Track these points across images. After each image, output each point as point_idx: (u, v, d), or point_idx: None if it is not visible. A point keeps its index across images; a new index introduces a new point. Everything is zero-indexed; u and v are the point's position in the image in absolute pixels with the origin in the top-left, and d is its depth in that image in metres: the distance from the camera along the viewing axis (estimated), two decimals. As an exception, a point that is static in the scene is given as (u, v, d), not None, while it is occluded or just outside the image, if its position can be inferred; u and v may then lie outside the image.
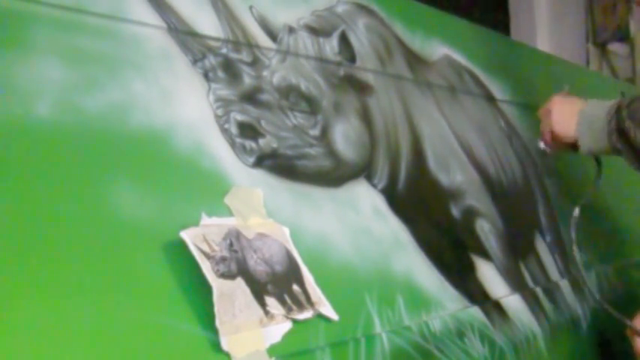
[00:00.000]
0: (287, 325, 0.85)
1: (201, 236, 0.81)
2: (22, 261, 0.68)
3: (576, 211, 1.33)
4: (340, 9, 1.28)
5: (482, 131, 1.54)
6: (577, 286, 1.55)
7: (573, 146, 1.27)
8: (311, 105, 1.12)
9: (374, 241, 1.10)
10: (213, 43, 1.01)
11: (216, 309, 0.77)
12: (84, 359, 0.67)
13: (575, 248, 1.31)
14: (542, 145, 1.33)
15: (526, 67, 1.94)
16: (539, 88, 1.90)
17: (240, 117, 0.99)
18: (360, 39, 1.29)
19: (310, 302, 0.89)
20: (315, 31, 1.20)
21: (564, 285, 1.51)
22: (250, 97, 1.02)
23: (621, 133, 1.13)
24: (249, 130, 0.99)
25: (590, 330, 1.51)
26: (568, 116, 1.24)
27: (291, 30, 1.15)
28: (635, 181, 2.01)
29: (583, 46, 4.23)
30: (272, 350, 0.81)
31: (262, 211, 0.94)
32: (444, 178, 1.35)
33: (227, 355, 0.76)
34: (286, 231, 0.94)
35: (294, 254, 0.92)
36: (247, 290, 0.82)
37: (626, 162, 1.17)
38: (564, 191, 1.77)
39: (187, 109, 0.93)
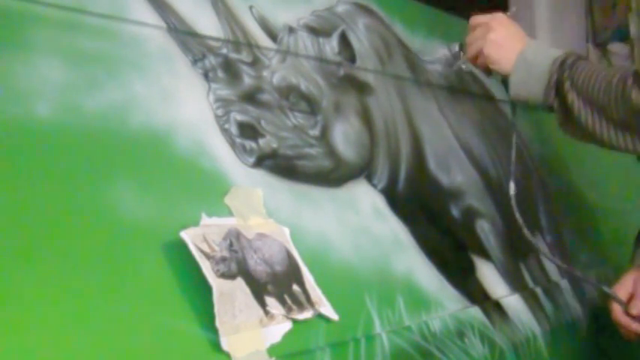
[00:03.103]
0: (287, 325, 0.85)
1: (201, 236, 0.81)
2: (22, 261, 0.68)
3: (512, 188, 1.19)
4: (340, 9, 1.28)
5: (482, 131, 1.54)
6: (577, 286, 1.55)
7: (491, 71, 1.17)
8: (311, 105, 1.12)
9: (374, 241, 1.10)
10: (213, 43, 1.01)
11: (216, 309, 0.77)
12: (84, 359, 0.67)
13: (525, 232, 1.17)
14: (461, 58, 1.22)
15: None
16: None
17: (240, 117, 0.99)
18: (360, 39, 1.29)
19: (310, 302, 0.89)
20: (315, 31, 1.20)
21: (564, 285, 1.51)
22: (250, 97, 1.02)
23: (558, 92, 1.07)
24: (249, 130, 0.99)
25: (590, 330, 1.51)
26: (508, 48, 1.12)
27: (291, 30, 1.15)
28: (635, 181, 2.01)
29: (583, 46, 4.23)
30: (272, 350, 0.81)
31: (262, 211, 0.94)
32: (444, 178, 1.35)
33: (227, 355, 0.76)
34: (286, 231, 0.94)
35: (294, 254, 0.92)
36: (247, 290, 0.82)
37: (556, 121, 1.11)
38: (565, 191, 1.77)
39: (187, 109, 0.93)
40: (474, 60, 1.18)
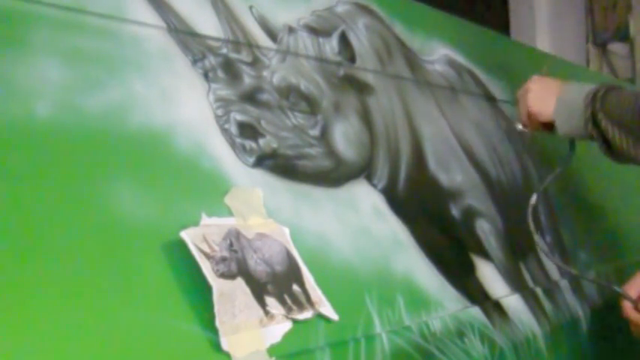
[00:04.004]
0: (287, 325, 0.85)
1: (201, 236, 0.81)
2: (21, 261, 0.68)
3: (533, 199, 1.33)
4: (340, 9, 1.28)
5: (482, 131, 1.54)
6: (577, 285, 1.55)
7: (550, 127, 1.28)
8: (311, 105, 1.12)
9: (374, 241, 1.10)
10: (213, 43, 1.01)
11: (216, 309, 0.77)
12: (83, 358, 0.67)
13: (536, 237, 1.33)
14: (519, 126, 1.34)
15: (526, 67, 1.94)
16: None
17: (240, 117, 0.99)
18: (360, 39, 1.29)
19: (310, 302, 0.89)
20: (315, 31, 1.20)
21: (564, 285, 1.51)
22: (250, 97, 1.02)
23: (595, 122, 1.17)
24: (249, 130, 0.99)
25: (590, 330, 1.51)
26: (546, 97, 1.26)
27: (291, 30, 1.15)
28: (635, 180, 2.01)
29: (583, 46, 4.23)
30: (272, 350, 0.81)
31: (262, 211, 0.94)
32: (444, 178, 1.35)
33: (227, 355, 0.76)
34: (286, 231, 0.94)
35: (294, 254, 0.92)
36: (247, 290, 0.82)
37: (600, 150, 1.20)
38: (565, 191, 1.77)
39: (187, 109, 0.93)
40: (530, 125, 1.31)
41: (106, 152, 0.81)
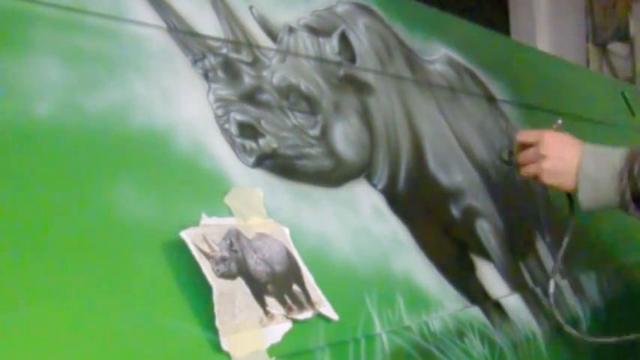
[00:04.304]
0: (287, 325, 0.85)
1: (201, 236, 0.81)
2: (21, 261, 0.68)
3: (552, 286, 1.26)
4: (340, 9, 1.28)
5: (482, 131, 1.54)
6: (577, 285, 1.55)
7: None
8: (311, 105, 1.12)
9: (374, 241, 1.10)
10: (213, 43, 1.01)
11: (216, 309, 0.77)
12: (83, 358, 0.67)
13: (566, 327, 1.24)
14: (514, 164, 1.24)
15: (526, 67, 1.94)
16: (539, 88, 1.90)
17: (240, 117, 0.99)
18: (360, 39, 1.29)
19: (310, 302, 0.89)
20: (315, 31, 1.20)
21: (564, 285, 1.51)
22: (250, 97, 1.02)
23: (638, 200, 1.05)
24: (249, 130, 0.99)
25: (590, 330, 1.51)
26: (566, 172, 1.12)
27: (291, 30, 1.15)
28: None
29: (583, 46, 4.23)
30: (272, 350, 0.81)
31: (262, 211, 0.94)
32: (444, 178, 1.35)
33: (227, 355, 0.76)
34: (286, 231, 0.94)
35: (294, 254, 0.92)
36: (247, 290, 0.82)
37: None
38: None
39: (187, 109, 0.93)
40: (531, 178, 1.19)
41: (106, 152, 0.81)
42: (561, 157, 1.13)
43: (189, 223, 0.82)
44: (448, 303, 1.15)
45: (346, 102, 1.20)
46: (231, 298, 0.79)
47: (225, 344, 0.76)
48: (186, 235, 0.80)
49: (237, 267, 0.82)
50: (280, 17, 1.14)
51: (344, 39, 1.25)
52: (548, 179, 1.15)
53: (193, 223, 0.83)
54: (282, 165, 1.02)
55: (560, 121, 1.22)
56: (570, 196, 1.18)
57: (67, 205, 0.74)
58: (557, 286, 1.24)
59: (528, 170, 1.18)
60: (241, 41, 1.05)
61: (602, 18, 4.25)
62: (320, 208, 1.04)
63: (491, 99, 1.64)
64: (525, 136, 1.20)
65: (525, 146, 1.20)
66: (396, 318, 1.03)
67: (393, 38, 1.40)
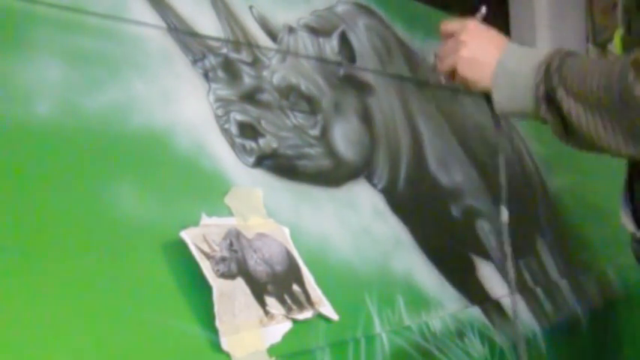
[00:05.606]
0: (287, 325, 0.85)
1: (201, 236, 0.81)
2: (22, 261, 0.68)
3: (504, 214, 1.06)
4: (340, 9, 1.28)
5: (482, 131, 1.54)
6: (577, 285, 1.55)
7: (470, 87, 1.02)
8: (311, 105, 1.12)
9: (374, 241, 1.10)
10: (213, 43, 1.01)
11: (216, 309, 0.77)
12: (83, 359, 0.67)
13: (511, 269, 1.05)
14: (442, 78, 1.04)
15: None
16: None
17: (240, 117, 0.99)
18: (360, 39, 1.29)
19: (310, 302, 0.89)
20: (315, 31, 1.20)
21: (564, 285, 1.51)
22: (250, 97, 1.02)
23: (551, 101, 0.92)
24: (249, 130, 0.99)
25: (590, 330, 1.51)
26: (483, 63, 0.98)
27: (291, 30, 1.15)
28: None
29: (583, 46, 4.23)
30: (272, 350, 0.81)
31: (262, 211, 0.94)
32: (444, 178, 1.35)
33: (227, 355, 0.76)
34: (286, 231, 0.94)
35: (294, 254, 0.92)
36: (247, 290, 0.82)
37: (554, 134, 0.95)
38: (565, 191, 1.77)
39: (187, 109, 0.93)
40: (451, 77, 1.03)
41: (106, 152, 0.81)
42: (482, 46, 1.00)
43: (189, 223, 0.82)
44: (448, 303, 1.15)
45: (346, 102, 1.20)
46: (231, 298, 0.79)
47: (225, 344, 0.76)
48: (186, 235, 0.80)
49: (237, 267, 0.82)
50: (280, 17, 1.14)
51: (344, 39, 1.25)
52: (464, 70, 0.99)
53: (193, 223, 0.83)
54: (282, 165, 1.02)
55: (484, 10, 1.07)
56: (489, 99, 1.00)
57: (67, 205, 0.74)
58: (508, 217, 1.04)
59: (445, 65, 1.02)
60: (241, 41, 1.05)
61: (602, 18, 4.26)
62: (320, 208, 1.04)
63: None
64: (449, 26, 1.05)
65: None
66: (396, 318, 1.03)
67: (393, 38, 1.40)
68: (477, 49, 0.99)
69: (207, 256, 0.80)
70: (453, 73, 1.01)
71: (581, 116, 0.89)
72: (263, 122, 1.02)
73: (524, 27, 4.13)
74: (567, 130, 0.92)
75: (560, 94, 0.90)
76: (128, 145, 0.84)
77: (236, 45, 1.04)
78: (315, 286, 0.92)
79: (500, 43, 0.99)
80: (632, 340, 1.62)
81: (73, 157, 0.78)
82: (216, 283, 0.79)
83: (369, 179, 1.18)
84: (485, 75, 0.98)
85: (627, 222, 1.07)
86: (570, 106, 0.90)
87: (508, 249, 1.04)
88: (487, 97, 1.01)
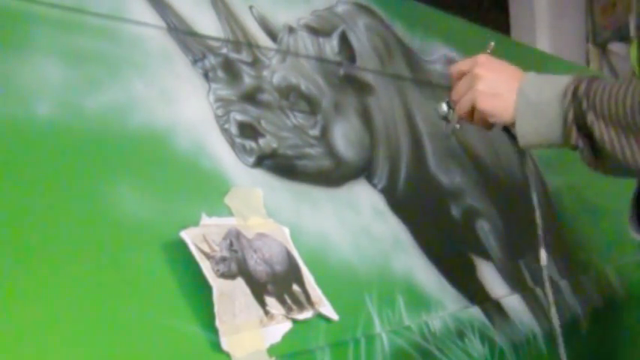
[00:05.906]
0: (287, 325, 0.85)
1: (201, 236, 0.81)
2: (21, 261, 0.68)
3: (544, 259, 1.04)
4: (340, 9, 1.28)
5: (482, 131, 1.54)
6: (577, 285, 1.55)
7: (492, 125, 0.99)
8: (311, 105, 1.12)
9: (374, 241, 1.10)
10: (213, 43, 1.01)
11: (216, 309, 0.77)
12: (83, 358, 0.67)
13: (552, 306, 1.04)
14: (452, 117, 1.00)
15: (526, 67, 1.94)
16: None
17: (240, 117, 0.99)
18: (360, 39, 1.29)
19: (310, 302, 0.89)
20: (315, 31, 1.20)
21: (564, 285, 1.51)
22: (250, 97, 1.02)
23: (581, 128, 0.87)
24: (249, 130, 0.99)
25: (590, 330, 1.51)
26: (503, 94, 0.93)
27: (291, 30, 1.15)
28: (634, 180, 2.00)
29: (583, 46, 4.24)
30: (272, 350, 0.81)
31: (262, 211, 0.94)
32: (444, 178, 1.35)
33: (227, 355, 0.76)
34: (286, 231, 0.94)
35: (294, 254, 0.92)
36: (247, 290, 0.82)
37: (583, 160, 0.91)
38: (564, 191, 1.77)
39: (187, 109, 0.93)
40: (470, 118, 0.98)
41: (106, 152, 0.81)
42: (499, 77, 0.94)
43: (189, 223, 0.82)
44: (448, 303, 1.15)
45: (346, 102, 1.20)
46: (231, 298, 0.79)
47: (225, 344, 0.76)
48: (187, 235, 0.80)
49: (237, 267, 0.82)
50: (280, 17, 1.14)
51: (344, 39, 1.25)
52: (483, 104, 0.94)
53: (193, 223, 0.83)
54: (282, 165, 1.02)
55: (492, 43, 1.02)
56: (510, 133, 0.97)
57: (66, 205, 0.74)
58: (548, 257, 1.04)
59: (463, 105, 0.96)
60: (241, 41, 1.05)
61: (602, 18, 4.26)
62: (320, 208, 1.04)
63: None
64: (459, 65, 0.99)
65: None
66: (396, 318, 1.03)
67: (393, 38, 1.40)
68: (494, 81, 0.94)
69: (207, 256, 0.80)
70: (471, 113, 0.97)
71: (614, 140, 0.85)
72: (263, 122, 1.02)
73: (524, 27, 4.13)
74: (599, 155, 0.89)
75: (591, 118, 0.86)
76: (128, 145, 0.84)
77: (236, 45, 1.04)
78: (315, 286, 0.92)
79: (516, 72, 0.96)
80: (632, 340, 1.62)
81: (73, 157, 0.78)
82: (216, 283, 0.79)
83: (369, 179, 1.18)
84: (508, 105, 0.93)
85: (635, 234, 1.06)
86: (602, 130, 0.86)
87: (549, 292, 1.02)
88: (508, 131, 0.98)
